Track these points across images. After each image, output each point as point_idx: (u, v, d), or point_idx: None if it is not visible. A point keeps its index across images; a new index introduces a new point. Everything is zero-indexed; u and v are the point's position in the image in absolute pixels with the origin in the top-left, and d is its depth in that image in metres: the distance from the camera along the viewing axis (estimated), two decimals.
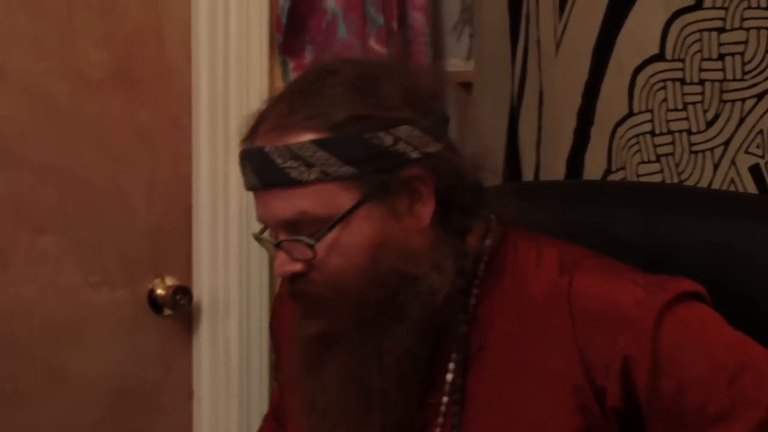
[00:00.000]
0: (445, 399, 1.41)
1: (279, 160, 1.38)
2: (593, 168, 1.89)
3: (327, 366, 1.42)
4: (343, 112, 1.38)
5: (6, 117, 2.13)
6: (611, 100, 1.85)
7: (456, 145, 1.46)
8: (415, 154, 1.39)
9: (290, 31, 2.37)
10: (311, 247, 1.39)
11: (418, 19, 2.49)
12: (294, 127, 1.39)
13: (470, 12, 2.52)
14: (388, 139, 1.38)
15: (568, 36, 1.91)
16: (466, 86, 2.45)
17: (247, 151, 1.42)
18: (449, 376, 1.41)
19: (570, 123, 1.91)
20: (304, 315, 1.44)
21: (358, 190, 1.38)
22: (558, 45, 1.93)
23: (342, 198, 1.39)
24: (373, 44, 2.39)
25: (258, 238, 1.49)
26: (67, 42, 2.16)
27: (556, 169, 1.95)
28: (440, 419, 1.40)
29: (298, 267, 1.41)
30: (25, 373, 2.18)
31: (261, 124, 1.42)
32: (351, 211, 1.38)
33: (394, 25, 2.44)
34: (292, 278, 1.42)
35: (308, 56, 2.35)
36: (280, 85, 2.32)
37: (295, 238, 1.40)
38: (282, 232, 1.41)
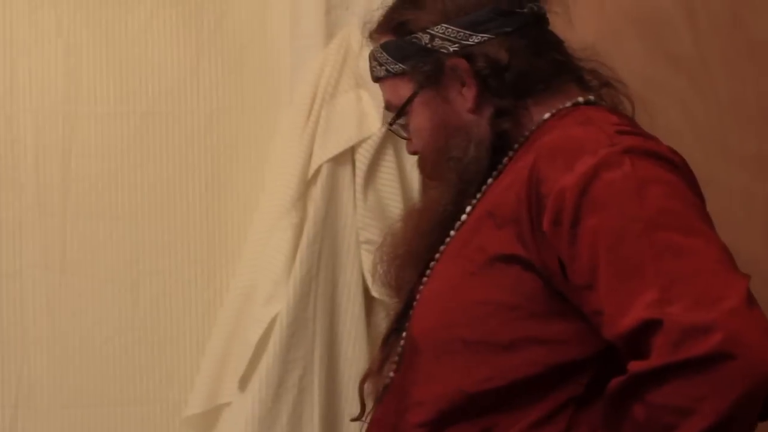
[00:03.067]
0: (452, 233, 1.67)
1: (370, 63, 1.78)
2: None
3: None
4: (396, 19, 1.72)
5: None
6: None
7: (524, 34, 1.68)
8: (453, 48, 1.66)
9: None
10: (395, 126, 1.76)
11: None
12: (378, 34, 1.76)
13: None
14: (425, 38, 1.68)
15: None
16: None
17: None
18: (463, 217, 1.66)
19: None
20: None
21: (412, 82, 1.70)
22: None
23: (403, 89, 1.72)
24: None
25: None
26: None
27: None
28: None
29: (410, 147, 1.77)
30: None
31: None
32: (410, 100, 1.71)
33: None
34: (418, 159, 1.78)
35: None
36: None
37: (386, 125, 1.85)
38: None
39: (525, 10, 1.68)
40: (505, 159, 1.66)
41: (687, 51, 2.36)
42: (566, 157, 1.49)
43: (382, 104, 2.25)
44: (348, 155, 2.30)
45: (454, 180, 1.66)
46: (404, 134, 1.77)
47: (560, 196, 1.46)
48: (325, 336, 2.22)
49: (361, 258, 2.27)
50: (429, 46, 1.67)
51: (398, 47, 1.71)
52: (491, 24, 1.66)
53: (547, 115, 1.66)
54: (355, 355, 2.25)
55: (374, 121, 2.30)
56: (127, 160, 2.36)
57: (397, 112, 1.73)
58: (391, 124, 1.76)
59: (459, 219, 1.66)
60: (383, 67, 1.73)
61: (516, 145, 1.66)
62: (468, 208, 1.66)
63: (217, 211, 2.37)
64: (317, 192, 2.27)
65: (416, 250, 1.71)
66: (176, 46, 2.38)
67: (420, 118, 1.71)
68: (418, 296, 1.67)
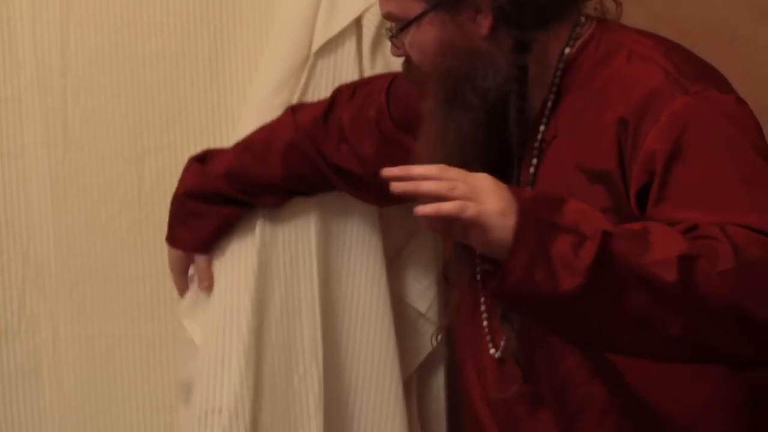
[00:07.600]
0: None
1: None
2: None
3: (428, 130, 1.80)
4: None
5: None
6: None
7: None
8: None
9: None
10: (397, 38, 1.81)
11: None
12: None
13: None
14: None
15: None
16: None
17: None
18: (531, 170, 1.78)
19: None
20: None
21: (426, 2, 1.75)
22: None
23: (414, 6, 1.77)
24: None
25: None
26: None
27: None
28: None
29: (399, 52, 1.84)
30: None
31: None
32: (419, 17, 1.76)
33: None
34: (404, 62, 1.86)
35: None
36: None
37: (386, 30, 1.85)
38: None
39: None
40: (549, 104, 1.77)
41: None
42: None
43: None
44: (352, 30, 2.26)
45: (479, 106, 1.73)
46: (397, 44, 1.82)
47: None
48: None
49: None
50: None
51: None
52: None
53: (567, 50, 1.78)
54: None
55: None
56: (128, 33, 2.30)
57: (402, 26, 1.79)
58: (392, 37, 1.81)
59: (504, 153, 1.76)
60: None
61: (554, 89, 1.78)
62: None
63: (221, 84, 2.33)
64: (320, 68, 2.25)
65: None
66: None
67: (426, 36, 1.77)
68: None
